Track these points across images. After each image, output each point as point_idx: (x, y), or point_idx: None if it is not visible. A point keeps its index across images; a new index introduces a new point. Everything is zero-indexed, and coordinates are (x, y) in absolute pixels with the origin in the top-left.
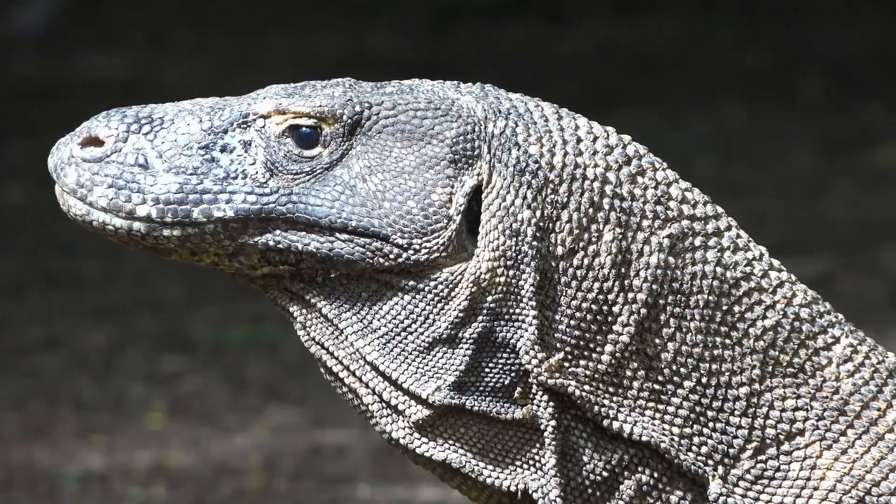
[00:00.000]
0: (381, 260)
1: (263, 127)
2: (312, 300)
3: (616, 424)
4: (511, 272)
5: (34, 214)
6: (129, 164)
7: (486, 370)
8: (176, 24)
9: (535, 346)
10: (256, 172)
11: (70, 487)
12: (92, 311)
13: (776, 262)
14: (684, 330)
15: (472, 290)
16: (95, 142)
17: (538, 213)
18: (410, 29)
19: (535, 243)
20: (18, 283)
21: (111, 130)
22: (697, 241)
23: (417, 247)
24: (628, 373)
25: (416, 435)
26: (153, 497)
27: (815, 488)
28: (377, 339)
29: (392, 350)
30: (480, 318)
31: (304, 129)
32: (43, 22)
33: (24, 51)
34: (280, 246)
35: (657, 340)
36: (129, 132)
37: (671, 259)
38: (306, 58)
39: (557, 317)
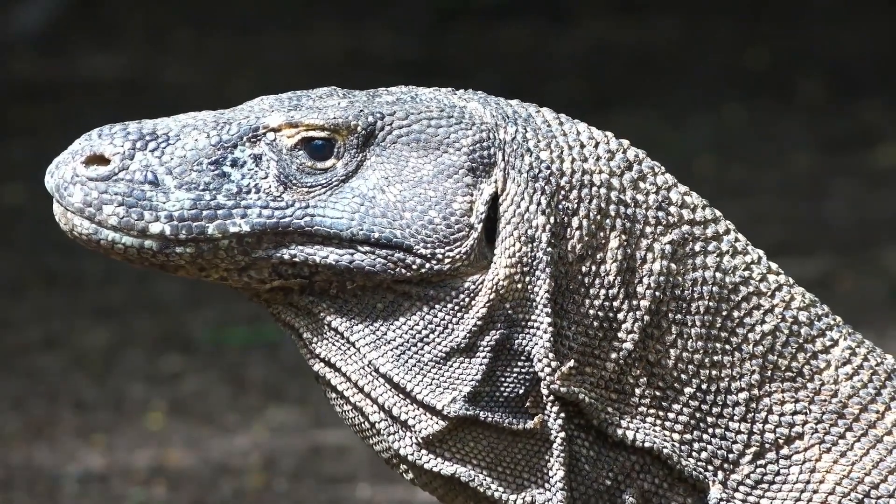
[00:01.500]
0: (403, 270)
1: (274, 140)
2: (321, 314)
3: (619, 431)
4: (527, 279)
5: (34, 214)
6: (139, 182)
7: (501, 379)
8: (176, 24)
9: (550, 354)
10: (270, 186)
11: (70, 487)
12: (92, 311)
13: (774, 265)
14: (685, 336)
15: (491, 297)
16: (100, 160)
17: (552, 219)
18: (410, 29)
19: (549, 249)
20: (18, 283)
21: (116, 148)
22: (697, 247)
23: (441, 256)
24: (630, 379)
25: (424, 451)
26: (153, 497)
27: (815, 491)
28: (391, 350)
29: (407, 361)
30: (498, 325)
31: (317, 141)
32: (43, 22)
33: (24, 51)
34: (296, 259)
35: (659, 347)
36: (135, 149)
37: (673, 266)
38: (306, 58)
39: (565, 324)
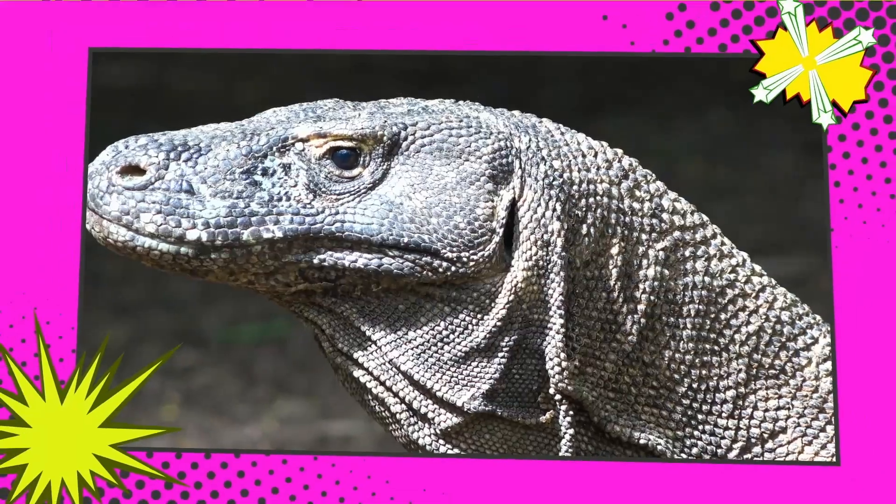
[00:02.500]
0: (430, 274)
1: (303, 150)
2: (345, 313)
3: (617, 429)
4: (543, 281)
5: None
6: (175, 191)
7: (517, 377)
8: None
9: (561, 353)
10: (300, 194)
11: None
12: (110, 309)
13: (757, 267)
14: (677, 338)
15: (510, 298)
16: (135, 170)
17: (565, 225)
18: None
19: (563, 253)
20: None
21: (151, 158)
22: (688, 252)
23: (466, 259)
24: (627, 379)
25: (442, 441)
26: None
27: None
28: (412, 349)
29: (427, 360)
30: (516, 325)
31: (343, 150)
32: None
33: None
34: (325, 263)
35: (653, 348)
36: (168, 159)
37: (666, 271)
38: (311, 64)
39: (570, 325)
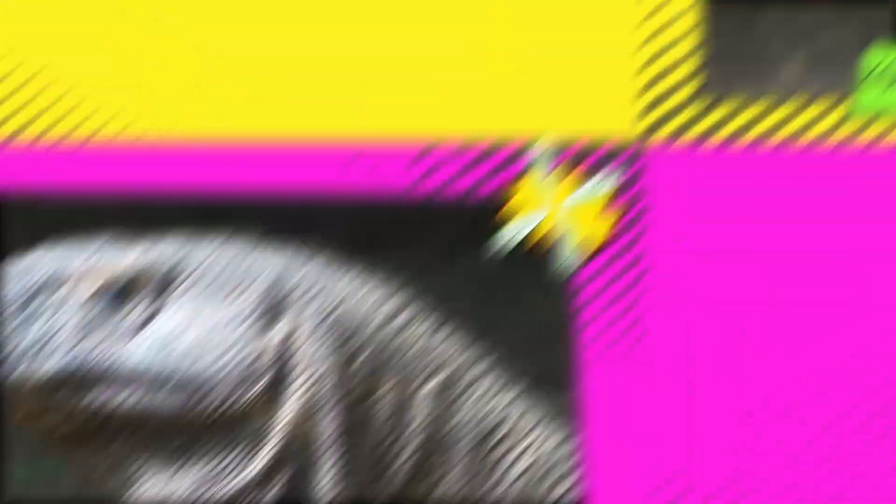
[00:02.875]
0: (202, 410)
1: (75, 288)
2: (117, 453)
3: None
4: (316, 418)
5: None
6: None
7: None
8: None
9: (333, 490)
10: (72, 332)
11: None
12: None
13: (528, 404)
14: (449, 475)
15: (283, 435)
16: None
17: (338, 362)
18: None
19: (336, 390)
20: None
21: None
22: (459, 390)
23: (237, 397)
24: None
25: None
26: None
27: None
28: (185, 487)
29: (202, 497)
30: (290, 461)
31: (115, 289)
32: None
33: None
34: (95, 404)
35: (424, 487)
36: None
37: (438, 409)
38: (82, 207)
39: (342, 462)
